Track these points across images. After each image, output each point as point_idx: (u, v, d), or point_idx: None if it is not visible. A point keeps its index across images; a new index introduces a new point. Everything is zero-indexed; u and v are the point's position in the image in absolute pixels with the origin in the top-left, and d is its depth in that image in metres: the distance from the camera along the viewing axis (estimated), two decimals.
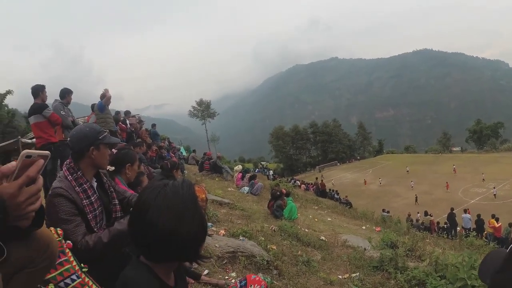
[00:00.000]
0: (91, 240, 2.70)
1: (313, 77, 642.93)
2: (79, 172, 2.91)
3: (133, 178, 4.33)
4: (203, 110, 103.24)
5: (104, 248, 2.70)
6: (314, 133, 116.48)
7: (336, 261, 6.91)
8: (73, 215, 2.73)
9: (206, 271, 4.54)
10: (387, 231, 10.22)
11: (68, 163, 2.99)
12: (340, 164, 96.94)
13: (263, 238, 6.60)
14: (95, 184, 3.05)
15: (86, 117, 14.80)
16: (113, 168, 4.04)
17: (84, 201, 2.83)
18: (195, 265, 4.16)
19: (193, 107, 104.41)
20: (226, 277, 4.64)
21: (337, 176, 71.05)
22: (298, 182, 45.16)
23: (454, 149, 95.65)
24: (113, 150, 4.10)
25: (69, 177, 2.86)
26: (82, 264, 2.60)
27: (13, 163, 1.42)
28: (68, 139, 3.08)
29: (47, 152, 1.52)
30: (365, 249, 7.79)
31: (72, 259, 2.53)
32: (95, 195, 2.94)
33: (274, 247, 6.19)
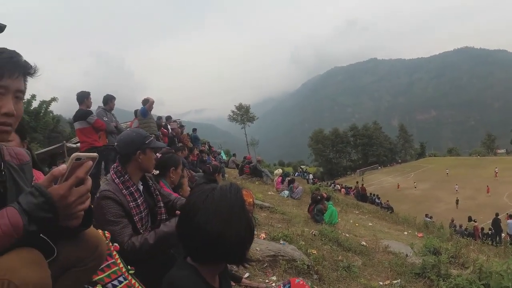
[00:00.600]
0: (138, 241, 2.77)
1: (351, 79, 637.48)
2: (126, 176, 3.00)
3: (177, 181, 4.42)
4: (243, 114, 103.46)
5: (150, 249, 2.76)
6: (354, 136, 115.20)
7: (377, 267, 6.80)
8: (120, 217, 2.81)
9: (247, 274, 4.56)
10: (429, 237, 9.96)
11: (115, 166, 3.08)
12: (381, 167, 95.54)
13: (303, 243, 6.57)
14: (141, 187, 3.14)
15: (129, 122, 15.14)
16: (157, 172, 4.12)
17: (131, 203, 2.91)
18: (236, 268, 4.20)
19: (233, 111, 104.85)
20: (267, 281, 4.64)
21: (378, 180, 69.93)
22: (338, 186, 44.69)
23: (499, 151, 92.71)
24: (157, 154, 4.19)
25: (116, 180, 2.95)
26: (128, 266, 2.68)
27: (64, 166, 1.49)
28: (116, 143, 3.18)
29: (95, 154, 1.60)
30: (406, 255, 7.63)
31: (119, 261, 2.60)
32: (141, 198, 3.02)
33: (315, 252, 6.15)
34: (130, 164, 3.05)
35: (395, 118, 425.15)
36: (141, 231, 2.93)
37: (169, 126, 14.98)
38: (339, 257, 6.51)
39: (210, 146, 28.27)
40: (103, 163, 8.09)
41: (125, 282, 2.59)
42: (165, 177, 4.24)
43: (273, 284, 4.41)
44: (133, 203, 2.93)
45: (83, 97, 7.86)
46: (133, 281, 2.65)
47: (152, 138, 3.22)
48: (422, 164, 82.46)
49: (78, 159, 1.51)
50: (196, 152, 13.98)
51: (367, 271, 6.39)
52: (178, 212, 2.98)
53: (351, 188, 43.99)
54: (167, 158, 4.36)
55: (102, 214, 2.79)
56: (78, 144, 21.06)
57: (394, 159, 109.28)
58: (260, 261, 5.10)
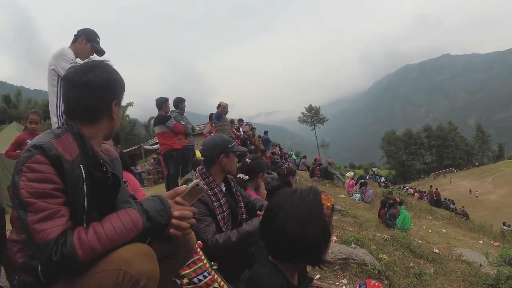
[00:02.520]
0: (221, 238, 2.99)
1: (424, 77, 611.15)
2: (210, 177, 3.25)
3: (262, 184, 4.63)
4: (313, 116, 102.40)
5: (232, 246, 2.97)
6: (428, 137, 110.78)
7: (449, 276, 6.62)
8: (205, 215, 3.04)
9: (318, 276, 4.60)
10: (506, 246, 9.54)
11: (200, 169, 3.34)
12: (456, 171, 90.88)
13: (374, 247, 6.51)
14: (223, 188, 3.35)
15: (202, 125, 15.62)
16: (247, 177, 4.32)
17: (215, 203, 3.14)
18: (308, 268, 4.29)
19: (303, 113, 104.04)
20: (337, 283, 4.65)
21: (453, 184, 66.82)
22: (411, 190, 43.28)
23: None
24: (247, 160, 4.38)
25: (202, 182, 3.18)
26: (212, 262, 2.91)
27: (185, 186, 1.93)
28: (201, 147, 3.43)
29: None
30: (481, 265, 7.37)
31: (203, 257, 2.83)
32: (224, 198, 3.25)
33: (386, 257, 6.10)
34: (214, 166, 3.29)
35: (471, 117, 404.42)
36: (223, 229, 3.14)
37: (241, 129, 15.28)
38: (411, 264, 6.42)
39: (280, 148, 28.37)
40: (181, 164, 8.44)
41: (209, 277, 2.81)
42: (252, 182, 4.45)
43: (343, 287, 4.46)
44: (217, 203, 3.16)
45: (162, 103, 8.24)
46: (216, 276, 2.86)
47: (235, 142, 3.46)
48: (500, 168, 77.13)
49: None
50: (268, 154, 14.19)
51: (438, 280, 6.25)
52: (259, 212, 3.20)
53: (424, 192, 42.45)
54: (256, 164, 4.57)
55: None
56: (155, 146, 21.95)
57: (471, 161, 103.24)
58: (331, 264, 5.14)
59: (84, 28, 4.88)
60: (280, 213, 1.66)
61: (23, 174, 1.62)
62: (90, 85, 1.82)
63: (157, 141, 11.61)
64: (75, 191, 1.69)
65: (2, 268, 2.23)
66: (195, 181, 1.95)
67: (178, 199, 1.87)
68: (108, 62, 1.96)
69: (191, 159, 8.66)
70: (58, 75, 4.28)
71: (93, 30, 4.90)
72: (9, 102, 42.85)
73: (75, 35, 4.80)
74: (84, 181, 1.73)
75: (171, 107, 8.72)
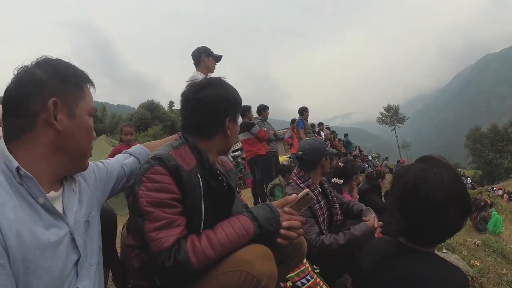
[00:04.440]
0: (327, 239, 2.99)
1: (507, 66, 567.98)
2: (309, 180, 3.26)
3: (355, 187, 4.59)
4: (392, 115, 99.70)
5: (338, 248, 2.95)
6: None
7: None
8: (308, 217, 3.05)
9: None
10: None
11: (297, 173, 3.36)
12: None
13: (466, 252, 6.28)
14: (320, 191, 3.37)
15: (284, 130, 15.69)
16: (341, 181, 4.30)
17: (316, 205, 3.14)
18: None
19: (381, 113, 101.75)
20: None
21: None
22: (500, 191, 40.65)
23: None
24: (339, 164, 4.36)
25: (302, 185, 3.21)
26: (314, 266, 2.91)
27: (295, 195, 1.92)
28: (301, 152, 3.40)
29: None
30: None
31: (305, 261, 2.83)
32: (323, 200, 3.26)
33: (478, 263, 5.86)
34: (315, 169, 3.32)
35: None
36: (323, 231, 3.14)
37: (322, 133, 15.22)
38: (503, 271, 6.13)
39: (360, 150, 27.96)
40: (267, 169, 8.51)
41: (311, 281, 2.80)
42: (346, 185, 4.42)
43: None
44: (317, 205, 3.16)
45: (245, 111, 8.35)
46: (318, 279, 2.85)
47: (329, 145, 3.47)
48: None
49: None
50: (350, 157, 14.01)
51: None
52: (365, 218, 3.15)
53: None
54: (350, 166, 4.54)
55: None
56: (236, 153, 22.37)
57: None
58: None
59: (197, 48, 5.43)
60: (422, 185, 1.54)
61: (143, 184, 1.71)
62: (203, 102, 1.90)
63: (237, 148, 11.83)
64: (192, 199, 1.76)
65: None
66: (306, 190, 1.95)
67: (286, 208, 1.88)
68: (223, 79, 2.02)
69: (275, 164, 8.71)
70: None
71: (203, 46, 5.45)
72: (95, 118, 45.50)
73: (194, 58, 5.38)
74: (202, 189, 1.79)
75: (254, 114, 8.84)
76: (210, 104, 1.90)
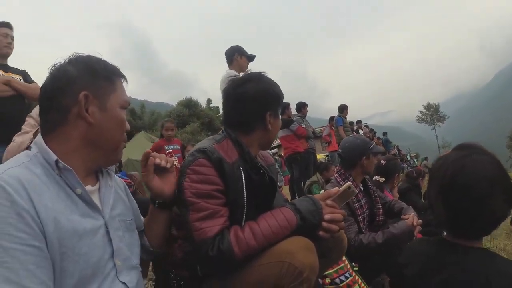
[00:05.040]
0: (365, 238, 2.96)
1: None
2: (350, 178, 3.23)
3: (395, 186, 4.52)
4: (432, 114, 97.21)
5: (376, 247, 2.93)
6: None
7: None
8: (347, 215, 2.98)
9: None
10: None
11: (338, 170, 3.36)
12: None
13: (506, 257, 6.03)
14: (362, 189, 3.33)
15: (322, 128, 15.60)
16: (383, 179, 4.25)
17: (356, 204, 3.11)
18: None
19: (421, 111, 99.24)
20: None
21: None
22: None
23: None
24: (381, 162, 4.32)
25: (342, 183, 3.16)
26: (353, 263, 2.89)
27: (337, 188, 1.92)
28: (340, 149, 3.42)
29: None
30: None
31: (344, 258, 2.82)
32: (364, 199, 3.22)
33: None
34: (355, 168, 3.28)
35: None
36: (363, 230, 3.10)
37: (360, 131, 15.07)
38: None
39: (399, 150, 27.47)
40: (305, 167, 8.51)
41: (350, 278, 2.78)
42: (388, 183, 4.36)
43: None
44: (357, 203, 3.13)
45: (284, 108, 8.37)
46: (357, 277, 2.83)
47: (374, 143, 3.42)
48: None
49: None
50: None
51: None
52: (403, 216, 3.11)
53: None
54: (392, 165, 4.47)
55: None
56: (273, 151, 22.40)
57: None
58: None
59: (231, 47, 5.52)
60: (461, 174, 1.47)
61: (187, 176, 1.76)
62: (243, 97, 1.94)
63: (273, 145, 11.82)
64: (235, 191, 1.79)
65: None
66: (348, 183, 1.95)
67: (329, 201, 1.87)
68: (264, 73, 2.04)
69: (313, 162, 8.69)
70: None
71: (236, 45, 5.52)
72: (134, 115, 46.38)
73: (227, 57, 5.48)
74: (244, 182, 1.82)
75: (293, 111, 8.86)
76: (250, 99, 1.93)
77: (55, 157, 1.31)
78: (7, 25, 3.88)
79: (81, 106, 1.38)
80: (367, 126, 18.12)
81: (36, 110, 2.91)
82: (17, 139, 2.72)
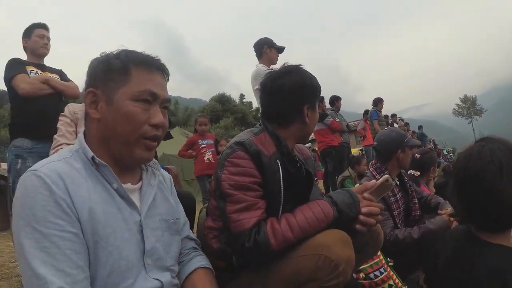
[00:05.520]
0: (401, 234, 2.92)
1: None
2: (386, 172, 3.18)
3: (431, 180, 4.44)
4: (468, 107, 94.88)
5: (412, 243, 2.88)
6: None
7: None
8: (384, 210, 2.92)
9: None
10: None
11: (374, 163, 3.33)
12: None
13: None
14: (397, 183, 3.27)
15: (356, 122, 15.45)
16: (418, 173, 4.18)
17: (391, 198, 3.07)
18: None
19: (457, 104, 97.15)
20: None
21: None
22: None
23: None
24: (416, 155, 4.24)
25: (377, 176, 3.14)
26: (388, 259, 2.87)
27: (374, 181, 1.92)
28: (376, 142, 3.39)
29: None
30: None
31: (379, 253, 2.80)
32: (400, 194, 3.16)
33: None
34: (390, 161, 3.24)
35: None
36: (398, 225, 3.06)
37: (395, 124, 14.84)
38: None
39: (435, 144, 26.96)
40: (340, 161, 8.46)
41: (384, 273, 2.75)
42: (424, 177, 4.28)
43: None
44: (393, 198, 3.08)
45: (319, 101, 8.38)
46: (391, 273, 2.80)
47: (410, 136, 3.36)
48: None
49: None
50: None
51: None
52: (440, 212, 3.06)
53: None
54: (427, 158, 4.38)
55: None
56: (307, 145, 22.36)
57: None
58: None
59: (259, 39, 5.47)
60: (471, 162, 1.45)
61: (225, 168, 1.78)
62: (280, 90, 1.95)
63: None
64: (272, 184, 1.81)
65: None
66: (385, 176, 1.94)
67: (366, 195, 1.87)
68: (301, 66, 2.04)
69: (347, 156, 8.63)
70: None
71: (265, 37, 5.44)
72: (168, 110, 47.10)
73: (256, 50, 5.43)
74: (281, 175, 1.83)
75: (327, 105, 8.82)
76: (287, 92, 1.94)
77: (91, 154, 1.36)
78: (43, 27, 4.00)
79: (87, 102, 1.41)
80: (402, 120, 17.82)
81: (69, 109, 3.01)
82: (61, 140, 2.82)
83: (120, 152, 1.41)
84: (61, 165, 1.30)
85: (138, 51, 1.48)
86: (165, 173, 1.77)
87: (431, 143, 24.50)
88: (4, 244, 6.30)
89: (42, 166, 1.26)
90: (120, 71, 1.40)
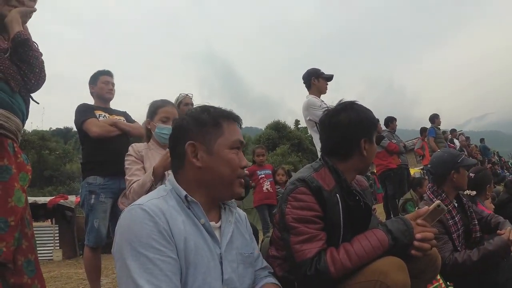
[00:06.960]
0: (460, 257, 2.91)
1: None
2: (443, 195, 3.20)
3: (488, 198, 4.38)
4: None
5: (472, 266, 2.86)
6: None
7: None
8: (441, 234, 2.98)
9: None
10: None
11: (431, 187, 3.34)
12: None
13: None
14: (455, 205, 3.27)
15: (414, 140, 15.17)
16: (474, 192, 4.16)
17: (450, 221, 3.06)
18: None
19: None
20: None
21: None
22: None
23: None
24: (470, 174, 4.19)
25: (434, 200, 3.11)
26: (447, 283, 2.91)
27: (427, 207, 2.03)
28: (429, 165, 3.44)
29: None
30: None
31: (439, 277, 2.83)
32: (458, 216, 3.15)
33: None
34: (445, 183, 3.24)
35: None
36: (458, 248, 3.04)
37: (455, 140, 14.41)
38: None
39: (499, 156, 25.73)
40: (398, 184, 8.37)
41: None
42: (481, 196, 4.23)
43: None
44: (451, 220, 3.08)
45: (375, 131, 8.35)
46: None
47: (464, 156, 3.37)
48: None
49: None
50: (488, 165, 13.12)
51: None
52: (500, 232, 3.04)
53: None
54: (481, 176, 4.34)
55: None
56: None
57: None
58: None
59: (307, 71, 5.57)
60: None
61: (289, 202, 1.97)
62: (338, 126, 2.14)
63: None
64: (333, 216, 1.97)
65: None
66: (437, 202, 2.03)
67: (419, 221, 1.97)
68: (357, 102, 2.22)
69: (406, 178, 8.53)
70: (315, 122, 5.03)
71: (312, 68, 5.57)
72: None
73: (305, 82, 5.53)
74: (340, 207, 2.00)
75: (382, 127, 8.80)
76: (344, 128, 2.11)
77: (184, 193, 1.62)
78: (108, 73, 4.36)
79: (187, 153, 1.67)
80: (463, 134, 17.30)
81: (133, 148, 3.24)
82: (133, 178, 3.04)
83: (221, 191, 1.72)
84: (160, 201, 1.57)
85: (216, 106, 1.83)
86: (241, 211, 2.00)
87: (495, 156, 23.43)
88: (72, 271, 6.62)
89: (146, 202, 1.54)
90: (213, 125, 1.71)
